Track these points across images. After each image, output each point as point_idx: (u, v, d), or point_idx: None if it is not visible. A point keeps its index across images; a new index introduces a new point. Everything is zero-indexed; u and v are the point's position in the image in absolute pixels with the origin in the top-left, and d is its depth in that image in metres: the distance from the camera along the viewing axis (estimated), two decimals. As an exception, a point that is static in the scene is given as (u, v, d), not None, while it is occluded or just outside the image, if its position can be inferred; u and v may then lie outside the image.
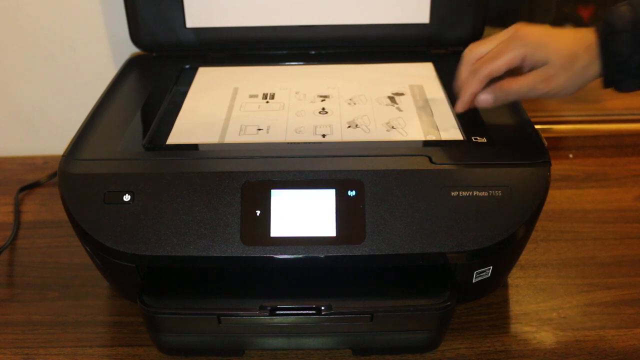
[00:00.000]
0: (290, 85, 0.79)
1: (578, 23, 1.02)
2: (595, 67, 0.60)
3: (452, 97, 0.75)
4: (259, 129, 0.69)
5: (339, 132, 0.68)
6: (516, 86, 0.61)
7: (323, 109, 0.73)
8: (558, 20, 1.01)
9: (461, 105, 0.65)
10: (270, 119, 0.71)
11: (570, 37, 0.60)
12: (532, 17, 1.02)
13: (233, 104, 0.75)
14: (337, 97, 0.76)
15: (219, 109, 0.74)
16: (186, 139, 0.68)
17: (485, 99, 0.63)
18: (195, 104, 0.75)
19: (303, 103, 0.75)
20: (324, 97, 0.76)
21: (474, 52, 0.64)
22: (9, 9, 0.93)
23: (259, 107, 0.74)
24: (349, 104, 0.74)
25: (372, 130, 0.68)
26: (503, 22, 1.01)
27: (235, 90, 0.78)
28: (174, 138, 0.68)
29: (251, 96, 0.77)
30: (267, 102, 0.75)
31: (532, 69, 0.61)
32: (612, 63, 0.59)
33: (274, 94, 0.77)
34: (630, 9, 0.58)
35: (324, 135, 0.67)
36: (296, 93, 0.77)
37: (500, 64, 0.61)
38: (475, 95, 0.63)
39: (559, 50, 0.60)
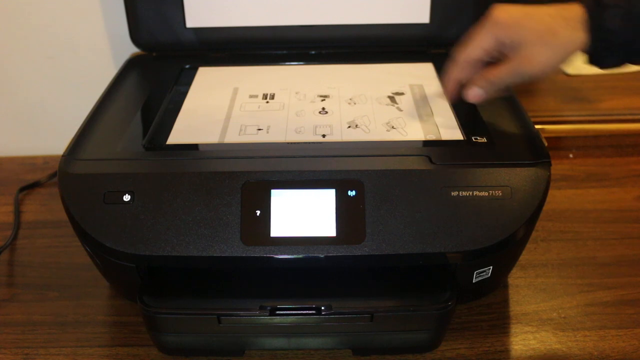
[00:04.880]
0: (290, 85, 0.79)
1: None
2: (578, 41, 0.57)
3: (452, 97, 0.75)
4: (259, 129, 0.69)
5: (339, 132, 0.68)
6: (497, 73, 0.60)
7: (323, 108, 0.73)
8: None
9: (447, 93, 0.64)
10: (270, 119, 0.71)
11: (546, 13, 0.58)
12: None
13: (233, 104, 0.75)
14: (337, 97, 0.76)
15: (219, 109, 0.74)
16: (186, 139, 0.68)
17: (474, 93, 0.62)
18: (195, 104, 0.75)
19: (303, 103, 0.75)
20: (324, 97, 0.76)
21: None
22: (9, 9, 0.93)
23: (259, 107, 0.74)
24: (349, 103, 0.74)
25: (372, 130, 0.68)
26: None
27: (235, 90, 0.78)
28: (174, 138, 0.68)
29: (251, 96, 0.77)
30: (267, 102, 0.75)
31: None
32: (600, 39, 0.57)
33: (274, 94, 0.77)
34: None
35: (324, 135, 0.67)
36: (296, 93, 0.77)
37: (472, 47, 0.60)
38: (456, 81, 0.62)
39: (534, 27, 0.58)
